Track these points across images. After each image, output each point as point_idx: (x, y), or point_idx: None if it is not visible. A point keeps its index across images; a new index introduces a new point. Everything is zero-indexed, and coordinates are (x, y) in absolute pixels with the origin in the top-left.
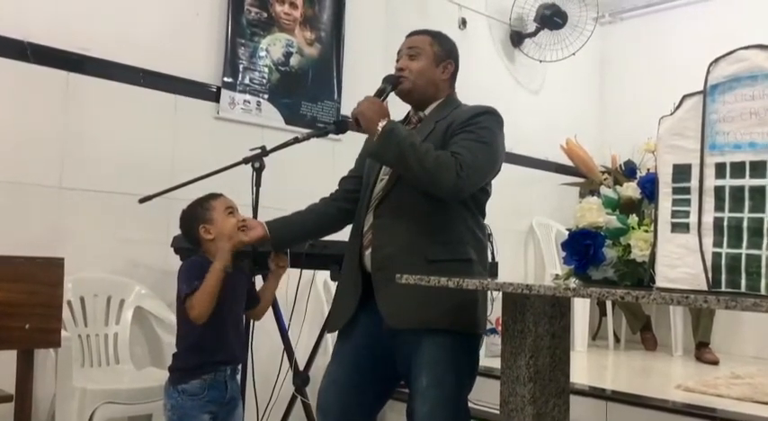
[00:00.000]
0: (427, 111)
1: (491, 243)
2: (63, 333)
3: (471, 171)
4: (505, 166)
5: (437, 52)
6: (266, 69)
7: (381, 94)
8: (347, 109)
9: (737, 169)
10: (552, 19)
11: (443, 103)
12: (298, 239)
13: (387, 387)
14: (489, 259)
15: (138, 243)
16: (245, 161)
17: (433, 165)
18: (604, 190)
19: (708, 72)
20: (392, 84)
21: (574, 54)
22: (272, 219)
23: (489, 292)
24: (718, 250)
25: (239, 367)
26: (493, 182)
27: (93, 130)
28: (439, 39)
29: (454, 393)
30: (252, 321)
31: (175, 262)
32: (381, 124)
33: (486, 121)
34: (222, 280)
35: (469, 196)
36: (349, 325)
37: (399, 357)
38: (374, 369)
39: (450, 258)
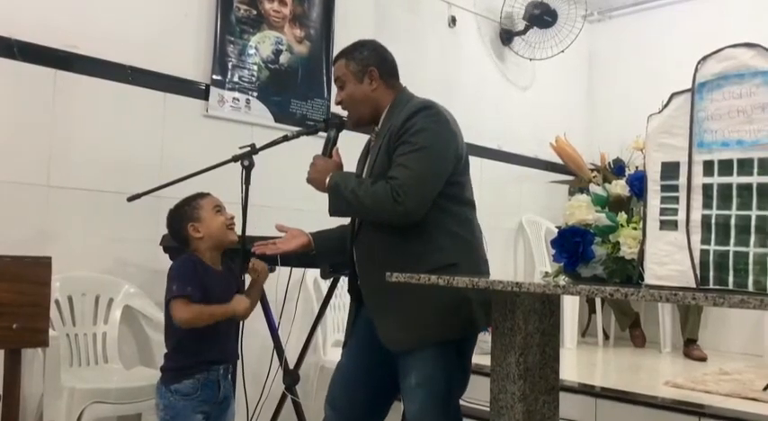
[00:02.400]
0: (379, 126)
1: None
2: (51, 332)
3: (409, 189)
4: (495, 164)
5: (354, 70)
6: (255, 67)
7: (328, 143)
8: (337, 106)
9: (725, 167)
10: (541, 17)
11: (389, 110)
12: (339, 250)
13: (391, 384)
14: None
15: (127, 241)
16: (235, 159)
17: (371, 203)
18: (593, 187)
19: (696, 70)
20: (336, 126)
21: (563, 51)
22: (315, 231)
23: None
24: (706, 247)
25: (231, 366)
26: (482, 180)
27: (82, 128)
28: (351, 54)
29: (443, 392)
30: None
31: (164, 260)
32: (327, 182)
33: (419, 122)
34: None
35: (440, 196)
36: (354, 323)
37: (394, 358)
38: (378, 364)
39: (429, 269)
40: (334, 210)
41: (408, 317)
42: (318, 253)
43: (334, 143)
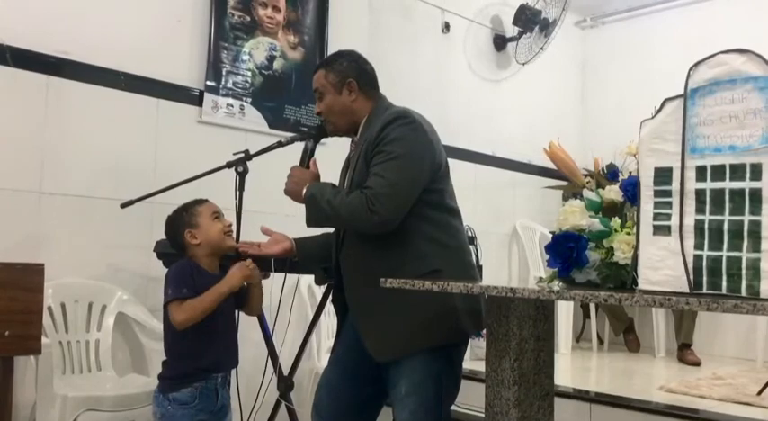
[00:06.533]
0: (358, 136)
1: (475, 245)
2: (43, 339)
3: (384, 198)
4: (489, 169)
5: (332, 81)
6: (249, 73)
7: (306, 153)
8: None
9: (718, 172)
10: (534, 23)
11: (367, 121)
12: (322, 258)
13: (378, 391)
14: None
15: (120, 248)
16: (229, 165)
17: (346, 214)
18: (587, 193)
19: (688, 76)
20: (313, 137)
21: (542, 48)
22: (299, 237)
23: (483, 296)
24: (699, 252)
25: (229, 375)
26: (476, 185)
27: (74, 134)
28: (330, 66)
29: (434, 400)
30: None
31: (158, 267)
32: (303, 193)
33: (393, 131)
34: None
35: (419, 204)
36: (342, 327)
37: (381, 366)
38: (364, 371)
39: (412, 277)
40: (311, 221)
41: (394, 329)
42: (300, 259)
43: (312, 154)
